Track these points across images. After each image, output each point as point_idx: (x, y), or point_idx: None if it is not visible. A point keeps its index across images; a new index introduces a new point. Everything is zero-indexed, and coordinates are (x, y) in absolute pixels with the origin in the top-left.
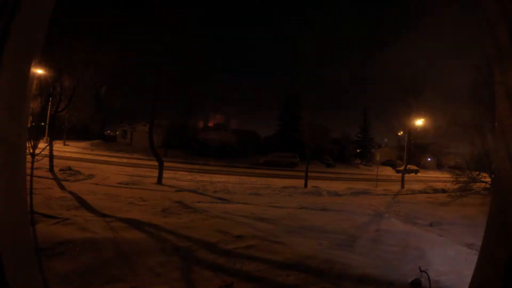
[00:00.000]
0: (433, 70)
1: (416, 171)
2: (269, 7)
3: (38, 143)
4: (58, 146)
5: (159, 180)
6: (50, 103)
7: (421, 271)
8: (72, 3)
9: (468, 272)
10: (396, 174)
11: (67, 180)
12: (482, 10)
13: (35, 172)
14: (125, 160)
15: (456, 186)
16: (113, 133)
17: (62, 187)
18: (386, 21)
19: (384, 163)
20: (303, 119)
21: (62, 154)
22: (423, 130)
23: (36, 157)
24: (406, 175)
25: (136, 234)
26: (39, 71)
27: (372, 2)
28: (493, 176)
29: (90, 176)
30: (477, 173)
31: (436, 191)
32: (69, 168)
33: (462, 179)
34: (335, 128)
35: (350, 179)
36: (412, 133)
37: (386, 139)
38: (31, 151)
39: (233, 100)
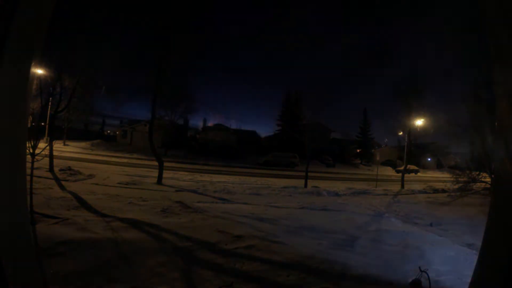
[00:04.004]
0: (433, 70)
1: (416, 171)
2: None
3: (38, 143)
4: (58, 146)
5: (159, 180)
6: (50, 103)
7: (421, 271)
8: (72, 3)
9: (468, 272)
10: (396, 174)
11: (67, 180)
12: (482, 10)
13: (35, 172)
14: (125, 160)
15: (456, 186)
16: (113, 133)
17: (62, 187)
18: (385, 20)
19: (384, 163)
20: (303, 119)
21: (62, 154)
22: (423, 130)
23: (36, 157)
24: (406, 175)
25: (136, 234)
26: (39, 71)
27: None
28: (493, 176)
29: (90, 176)
30: (477, 173)
31: (436, 191)
32: (69, 168)
33: (462, 179)
34: (335, 128)
35: (350, 179)
36: (412, 133)
37: (386, 139)
38: (31, 151)
39: (233, 100)
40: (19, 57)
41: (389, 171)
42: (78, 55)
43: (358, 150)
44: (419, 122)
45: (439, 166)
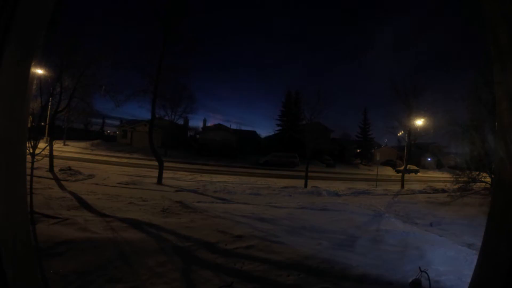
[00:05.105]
0: (433, 70)
1: (416, 171)
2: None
3: (38, 143)
4: (58, 146)
5: (159, 180)
6: (50, 103)
7: (421, 271)
8: (72, 3)
9: (468, 272)
10: (396, 174)
11: (67, 180)
12: (482, 10)
13: (35, 172)
14: (125, 160)
15: (456, 186)
16: (113, 133)
17: (62, 187)
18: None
19: (384, 163)
20: (303, 119)
21: (62, 154)
22: (423, 130)
23: (36, 157)
24: (406, 175)
25: (136, 234)
26: (39, 71)
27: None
28: (493, 176)
29: (90, 176)
30: (477, 173)
31: (436, 191)
32: (69, 168)
33: (462, 179)
34: (335, 128)
35: (350, 179)
36: (412, 133)
37: (386, 139)
38: (31, 151)
39: (233, 100)
40: (19, 57)
41: (389, 171)
42: (78, 55)
43: (358, 150)
44: (419, 122)
45: (439, 166)
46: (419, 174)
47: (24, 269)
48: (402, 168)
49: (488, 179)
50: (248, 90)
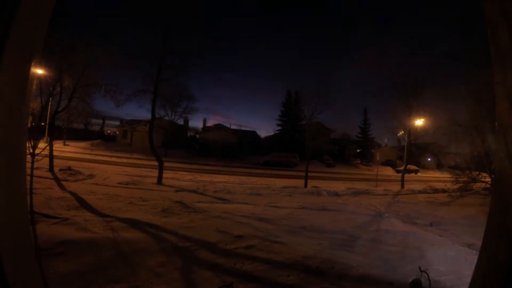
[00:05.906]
0: (433, 70)
1: (416, 171)
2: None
3: (38, 143)
4: (58, 146)
5: (159, 180)
6: (50, 103)
7: (421, 271)
8: (72, 3)
9: (468, 272)
10: (396, 174)
11: (67, 180)
12: (482, 10)
13: (35, 172)
14: (125, 160)
15: (456, 186)
16: (113, 133)
17: (62, 187)
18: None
19: (384, 163)
20: (303, 119)
21: (62, 154)
22: (423, 130)
23: (36, 157)
24: (406, 175)
25: (136, 234)
26: (39, 71)
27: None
28: (493, 176)
29: (90, 176)
30: (477, 173)
31: (436, 191)
32: (69, 168)
33: (462, 179)
34: (335, 128)
35: (350, 179)
36: (412, 133)
37: (386, 139)
38: (31, 151)
39: (233, 100)
40: (19, 57)
41: (389, 171)
42: (78, 54)
43: (358, 150)
44: (419, 122)
45: (439, 166)
46: (419, 174)
47: (24, 269)
48: (402, 168)
49: (488, 179)
50: (249, 90)
